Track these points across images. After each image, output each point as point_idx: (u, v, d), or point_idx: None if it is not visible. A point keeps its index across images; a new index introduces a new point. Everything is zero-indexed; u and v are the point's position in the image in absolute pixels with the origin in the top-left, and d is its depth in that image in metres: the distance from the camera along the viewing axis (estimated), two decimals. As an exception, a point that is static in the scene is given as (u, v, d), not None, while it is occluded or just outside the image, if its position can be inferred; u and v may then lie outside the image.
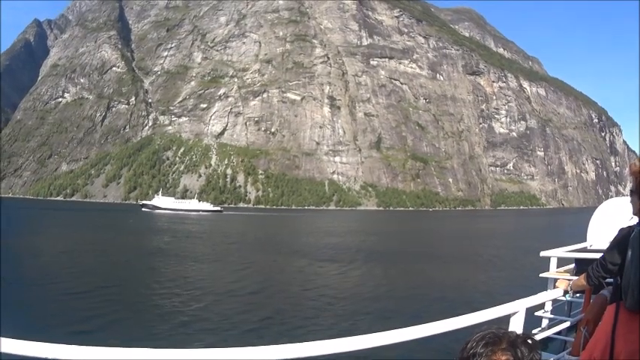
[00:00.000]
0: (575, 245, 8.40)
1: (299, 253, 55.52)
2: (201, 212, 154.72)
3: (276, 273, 41.93)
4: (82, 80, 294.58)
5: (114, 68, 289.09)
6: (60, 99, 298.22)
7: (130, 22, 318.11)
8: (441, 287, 35.45)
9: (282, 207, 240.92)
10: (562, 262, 8.06)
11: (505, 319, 4.37)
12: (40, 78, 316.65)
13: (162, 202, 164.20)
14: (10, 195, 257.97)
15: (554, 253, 7.75)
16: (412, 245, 75.62)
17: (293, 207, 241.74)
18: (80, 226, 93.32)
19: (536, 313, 6.53)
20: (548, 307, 6.79)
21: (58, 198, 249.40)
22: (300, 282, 36.97)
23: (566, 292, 5.38)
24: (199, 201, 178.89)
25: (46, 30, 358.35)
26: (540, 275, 7.77)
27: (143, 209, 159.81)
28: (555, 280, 6.66)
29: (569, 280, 5.53)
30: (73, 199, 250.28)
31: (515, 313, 4.38)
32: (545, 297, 5.63)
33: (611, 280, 4.12)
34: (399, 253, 60.30)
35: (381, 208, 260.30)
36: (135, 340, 19.29)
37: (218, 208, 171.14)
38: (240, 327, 22.75)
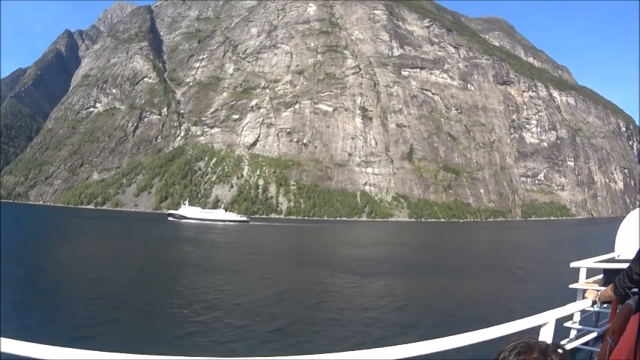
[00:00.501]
0: (603, 255, 8.25)
1: (319, 264, 54.84)
2: (227, 222, 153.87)
3: (293, 284, 41.08)
4: (113, 90, 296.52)
5: (145, 79, 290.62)
6: (91, 109, 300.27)
7: (162, 33, 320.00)
8: (471, 298, 35.24)
9: (314, 218, 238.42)
10: (592, 272, 8.06)
11: (535, 330, 4.49)
12: (71, 88, 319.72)
13: (188, 211, 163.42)
14: (40, 202, 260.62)
15: (583, 264, 7.84)
16: (441, 257, 74.81)
17: (325, 218, 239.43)
18: (106, 234, 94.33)
19: (565, 324, 6.73)
20: (577, 317, 6.91)
21: (89, 206, 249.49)
22: (318, 293, 36.24)
23: (594, 303, 5.56)
24: (226, 211, 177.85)
25: (77, 40, 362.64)
26: (570, 286, 7.86)
27: (170, 219, 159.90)
28: (584, 290, 6.89)
29: (597, 290, 5.76)
30: (104, 207, 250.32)
31: (545, 324, 4.50)
32: (574, 308, 5.81)
33: (637, 289, 4.30)
34: (428, 265, 59.72)
35: (412, 220, 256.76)
36: (144, 346, 19.89)
37: (245, 218, 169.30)
38: (250, 338, 22.79)
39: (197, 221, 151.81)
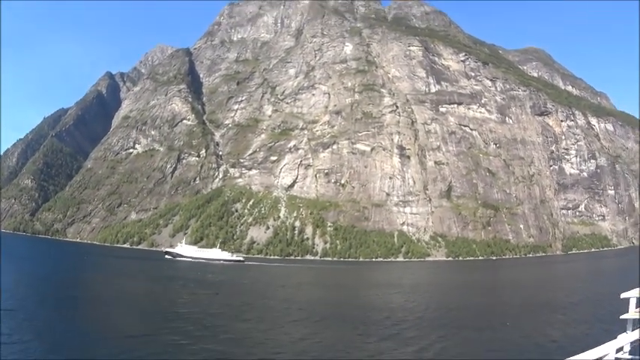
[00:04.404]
0: None
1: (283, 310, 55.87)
2: (222, 261, 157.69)
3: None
4: (152, 132, 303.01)
5: (184, 121, 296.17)
6: (131, 150, 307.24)
7: (201, 75, 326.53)
8: (526, 336, 36.76)
9: (350, 259, 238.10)
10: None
11: None
12: (111, 129, 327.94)
13: (184, 250, 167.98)
14: (78, 240, 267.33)
15: (633, 294, 7.78)
16: (485, 297, 75.17)
17: (361, 259, 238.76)
18: (96, 269, 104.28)
19: (616, 355, 6.74)
20: (627, 347, 6.80)
21: (125, 245, 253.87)
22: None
23: None
24: (222, 250, 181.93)
25: (118, 82, 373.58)
26: (621, 317, 7.79)
27: (166, 256, 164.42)
28: (634, 320, 7.04)
29: None
30: (140, 247, 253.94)
31: (604, 356, 4.66)
32: (630, 338, 6.07)
33: None
34: (475, 306, 60.23)
35: (450, 259, 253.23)
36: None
37: (240, 258, 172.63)
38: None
39: (192, 260, 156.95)
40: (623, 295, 8.11)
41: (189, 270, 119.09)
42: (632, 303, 7.84)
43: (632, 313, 7.61)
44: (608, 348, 4.71)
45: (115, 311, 48.80)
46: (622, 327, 7.79)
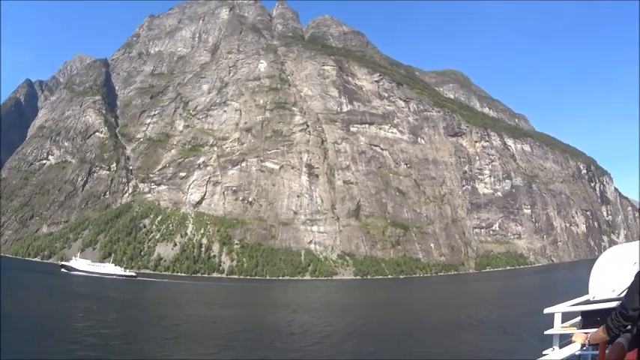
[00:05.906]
0: (578, 299, 8.30)
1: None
2: (114, 276, 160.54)
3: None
4: (66, 144, 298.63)
5: (97, 133, 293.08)
6: (44, 161, 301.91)
7: (117, 87, 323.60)
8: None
9: (257, 277, 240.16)
10: (565, 317, 7.95)
11: None
12: (27, 138, 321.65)
13: (78, 264, 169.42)
14: None
15: (558, 309, 7.67)
16: (389, 317, 72.57)
17: (267, 277, 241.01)
18: None
19: None
20: None
21: (36, 259, 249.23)
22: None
23: (583, 346, 5.43)
24: (115, 265, 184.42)
25: (37, 90, 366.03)
26: (545, 332, 7.60)
27: (62, 270, 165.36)
28: (561, 335, 6.75)
29: (586, 333, 5.54)
30: (50, 261, 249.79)
31: None
32: (556, 355, 5.70)
33: (630, 326, 4.12)
34: (384, 329, 57.33)
35: (358, 277, 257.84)
36: None
37: (132, 274, 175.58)
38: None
39: (86, 274, 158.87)
40: (546, 311, 7.90)
41: (80, 284, 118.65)
42: (557, 318, 7.79)
43: (557, 329, 7.57)
44: None
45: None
46: (539, 344, 7.94)
